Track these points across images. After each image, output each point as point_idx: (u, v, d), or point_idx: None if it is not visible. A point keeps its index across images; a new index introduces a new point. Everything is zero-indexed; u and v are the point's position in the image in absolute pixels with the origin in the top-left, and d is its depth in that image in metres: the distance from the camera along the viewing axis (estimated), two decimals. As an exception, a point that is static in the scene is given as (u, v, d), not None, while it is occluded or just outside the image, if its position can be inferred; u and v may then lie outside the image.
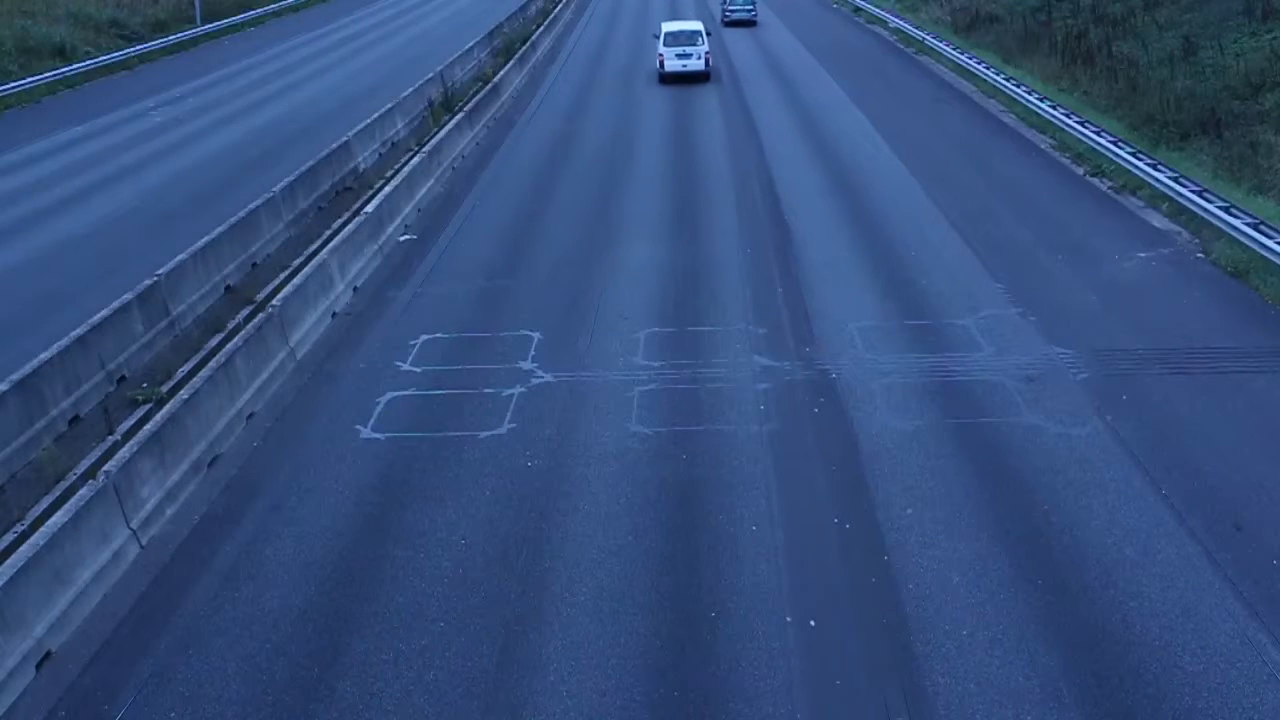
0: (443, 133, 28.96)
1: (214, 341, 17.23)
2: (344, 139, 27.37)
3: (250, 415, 14.92)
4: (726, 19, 52.74)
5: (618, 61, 44.43)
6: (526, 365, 16.15)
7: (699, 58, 37.58)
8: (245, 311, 18.32)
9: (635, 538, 11.84)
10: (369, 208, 21.90)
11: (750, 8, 52.89)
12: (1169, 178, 22.28)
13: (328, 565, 11.63)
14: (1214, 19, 30.11)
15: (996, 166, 26.18)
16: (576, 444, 13.86)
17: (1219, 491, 12.24)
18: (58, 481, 13.37)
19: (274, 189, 22.68)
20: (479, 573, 11.37)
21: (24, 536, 11.37)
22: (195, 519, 12.65)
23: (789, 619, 10.48)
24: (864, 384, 15.11)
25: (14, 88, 38.06)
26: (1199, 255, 19.46)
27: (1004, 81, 33.58)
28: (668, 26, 38.92)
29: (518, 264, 20.67)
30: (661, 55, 37.81)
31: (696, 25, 38.92)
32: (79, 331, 15.54)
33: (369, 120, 29.60)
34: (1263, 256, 18.27)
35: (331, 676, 9.98)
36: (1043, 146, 27.91)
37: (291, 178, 23.73)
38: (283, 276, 19.85)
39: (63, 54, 42.74)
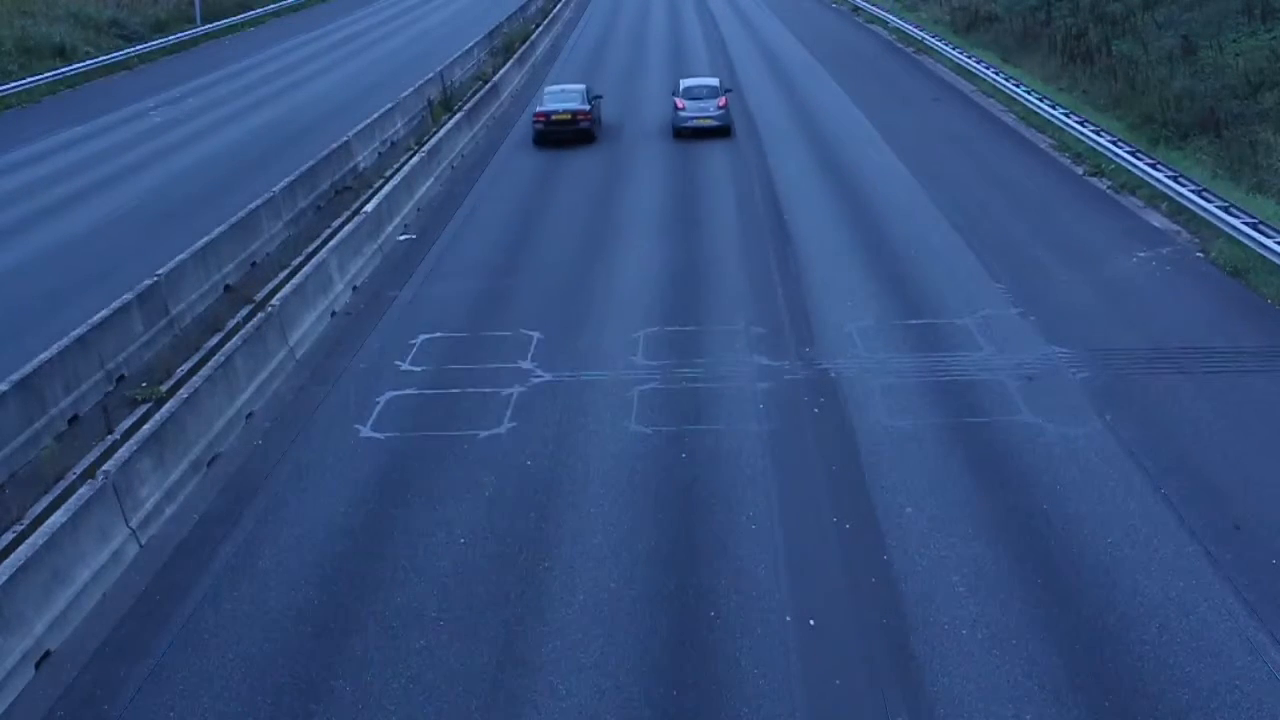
0: (442, 132, 28.96)
1: (213, 341, 17.21)
2: (343, 139, 27.38)
3: (249, 414, 14.92)
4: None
5: (616, 60, 44.43)
6: (526, 365, 16.15)
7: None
8: (245, 311, 18.32)
9: (635, 537, 11.84)
10: (368, 207, 21.90)
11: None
12: (1168, 177, 22.28)
13: (327, 565, 11.63)
14: (1213, 18, 30.10)
15: (996, 166, 26.18)
16: (576, 443, 13.86)
17: (1219, 491, 12.23)
18: (57, 481, 13.35)
19: (274, 189, 22.68)
20: (478, 573, 11.37)
21: (23, 536, 11.35)
22: (194, 518, 12.64)
23: (789, 618, 10.48)
24: (864, 384, 15.10)
25: (14, 88, 38.07)
26: (1198, 254, 19.45)
27: (1003, 81, 33.58)
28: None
29: (517, 263, 20.67)
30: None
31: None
32: (79, 331, 15.54)
33: (369, 120, 29.62)
34: (1262, 256, 18.26)
35: (331, 676, 9.98)
36: (1042, 146, 27.90)
37: (291, 177, 23.74)
38: (282, 276, 19.82)
39: (63, 54, 42.75)
